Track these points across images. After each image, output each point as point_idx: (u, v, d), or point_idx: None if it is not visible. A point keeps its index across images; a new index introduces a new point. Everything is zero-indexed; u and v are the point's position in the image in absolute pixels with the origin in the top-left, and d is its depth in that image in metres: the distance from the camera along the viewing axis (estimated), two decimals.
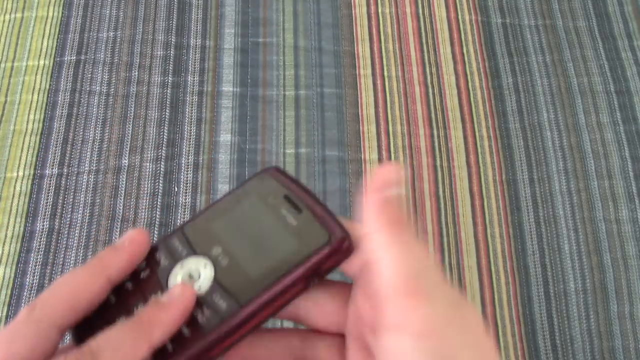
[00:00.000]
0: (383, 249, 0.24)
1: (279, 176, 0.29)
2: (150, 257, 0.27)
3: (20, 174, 0.55)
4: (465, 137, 0.58)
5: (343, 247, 0.26)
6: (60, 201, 0.54)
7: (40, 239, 0.52)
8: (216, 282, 0.26)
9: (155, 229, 0.53)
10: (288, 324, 0.44)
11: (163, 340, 0.24)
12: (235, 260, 0.27)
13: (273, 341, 0.28)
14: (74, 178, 0.55)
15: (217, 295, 0.26)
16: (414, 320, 0.22)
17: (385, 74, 0.60)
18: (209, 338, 0.25)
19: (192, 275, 0.26)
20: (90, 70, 0.59)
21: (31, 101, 0.58)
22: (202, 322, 0.25)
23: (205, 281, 0.26)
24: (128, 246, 0.26)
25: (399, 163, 0.24)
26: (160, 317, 0.24)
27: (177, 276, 0.26)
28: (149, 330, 0.23)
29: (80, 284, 0.24)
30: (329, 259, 0.26)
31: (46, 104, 0.58)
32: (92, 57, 0.60)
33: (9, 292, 0.50)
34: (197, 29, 0.62)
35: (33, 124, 0.57)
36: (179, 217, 0.54)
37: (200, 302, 0.25)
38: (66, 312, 0.24)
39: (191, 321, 0.25)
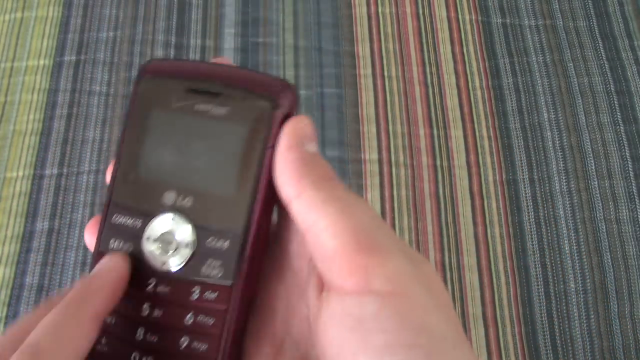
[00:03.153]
0: (317, 209, 0.20)
1: (161, 68, 0.23)
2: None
3: (20, 174, 0.55)
4: (465, 137, 0.58)
5: (292, 94, 0.23)
6: (60, 201, 0.54)
7: (40, 239, 0.52)
8: (197, 227, 0.22)
9: None
10: None
11: (106, 308, 0.21)
12: (198, 192, 0.22)
13: None
14: (74, 178, 0.55)
15: (212, 241, 0.22)
16: (376, 279, 0.19)
17: (385, 74, 0.60)
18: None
19: (166, 240, 0.22)
20: (90, 70, 0.59)
21: (31, 101, 0.58)
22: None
23: (185, 235, 0.22)
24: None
25: (308, 117, 0.22)
26: (94, 284, 0.21)
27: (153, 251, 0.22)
28: (86, 300, 0.20)
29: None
30: (286, 118, 0.22)
31: (46, 104, 0.58)
32: (92, 57, 0.60)
33: (8, 292, 0.50)
34: (197, 29, 0.62)
35: (33, 124, 0.57)
36: None
37: (200, 256, 0.22)
38: None
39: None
